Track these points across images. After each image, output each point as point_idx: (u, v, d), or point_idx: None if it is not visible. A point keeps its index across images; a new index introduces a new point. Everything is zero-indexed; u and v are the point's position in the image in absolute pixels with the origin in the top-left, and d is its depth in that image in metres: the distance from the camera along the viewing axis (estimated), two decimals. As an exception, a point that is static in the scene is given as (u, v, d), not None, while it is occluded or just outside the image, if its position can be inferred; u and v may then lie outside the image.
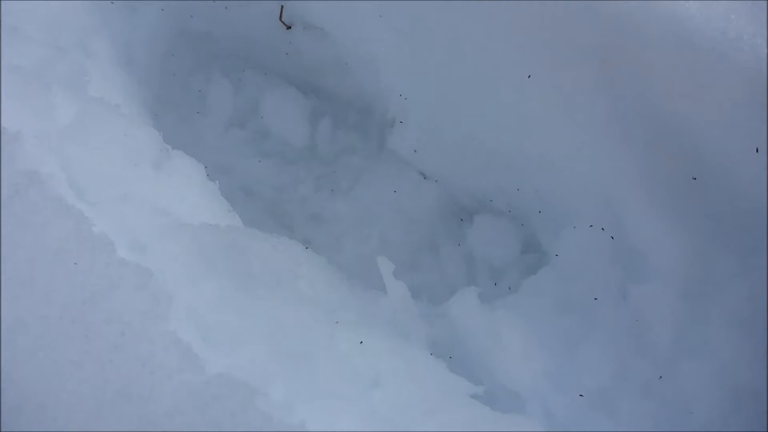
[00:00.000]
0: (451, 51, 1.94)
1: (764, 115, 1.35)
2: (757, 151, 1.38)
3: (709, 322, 1.53)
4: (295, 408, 1.19)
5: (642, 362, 1.57)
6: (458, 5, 1.83)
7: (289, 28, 2.58)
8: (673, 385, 1.54)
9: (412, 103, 2.23)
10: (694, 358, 1.54)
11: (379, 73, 2.32)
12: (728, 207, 1.52)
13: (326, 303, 1.50)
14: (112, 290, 1.25)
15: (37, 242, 1.32)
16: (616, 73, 1.56)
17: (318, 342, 1.37)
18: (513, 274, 2.17)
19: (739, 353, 1.49)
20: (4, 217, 1.36)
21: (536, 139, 1.82)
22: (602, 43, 1.53)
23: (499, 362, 1.62)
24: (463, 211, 2.38)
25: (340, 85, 2.67)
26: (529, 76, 1.67)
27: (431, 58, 2.04)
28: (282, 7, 2.51)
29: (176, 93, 2.79)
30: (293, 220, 2.52)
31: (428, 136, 2.27)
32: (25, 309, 1.24)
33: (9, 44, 1.75)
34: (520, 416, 1.46)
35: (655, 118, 1.53)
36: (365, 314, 1.66)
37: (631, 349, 1.59)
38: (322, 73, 2.68)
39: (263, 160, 2.64)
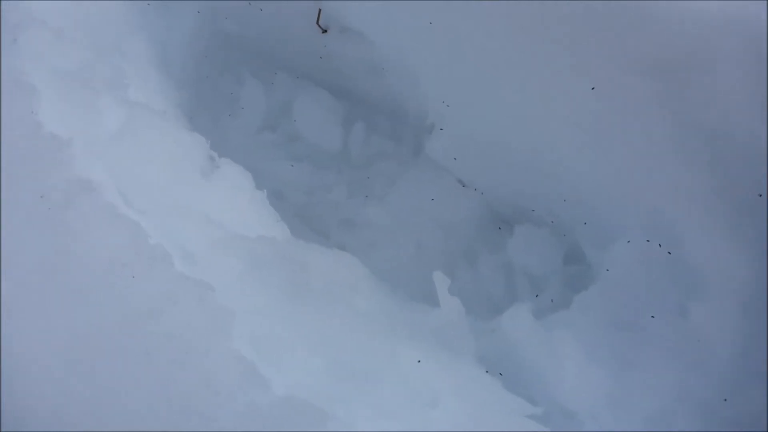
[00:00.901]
0: (501, 60, 1.90)
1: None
2: None
3: (774, 340, 1.49)
4: (364, 429, 1.14)
5: (703, 383, 1.53)
6: (511, 12, 1.79)
7: (325, 31, 2.54)
8: (735, 405, 1.49)
9: (454, 110, 2.18)
10: (757, 377, 1.50)
11: (419, 80, 2.28)
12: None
13: (385, 320, 1.46)
14: (172, 305, 1.22)
15: (92, 253, 1.29)
16: (681, 88, 1.52)
17: (377, 360, 1.33)
18: (555, 286, 2.13)
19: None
20: (58, 225, 1.33)
21: (589, 152, 1.78)
22: (668, 58, 1.49)
23: (554, 380, 1.58)
24: (502, 220, 2.34)
25: (374, 90, 2.63)
26: (593, 88, 1.63)
27: (478, 66, 2.00)
28: (320, 10, 2.47)
29: (208, 94, 2.77)
30: (327, 225, 2.49)
31: (468, 143, 2.23)
32: (81, 322, 1.21)
33: (53, 47, 1.71)
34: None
35: (719, 135, 1.49)
36: (415, 327, 1.63)
37: (691, 369, 1.55)
38: (356, 77, 2.65)
39: (295, 164, 2.61)
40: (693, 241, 1.63)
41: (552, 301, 2.05)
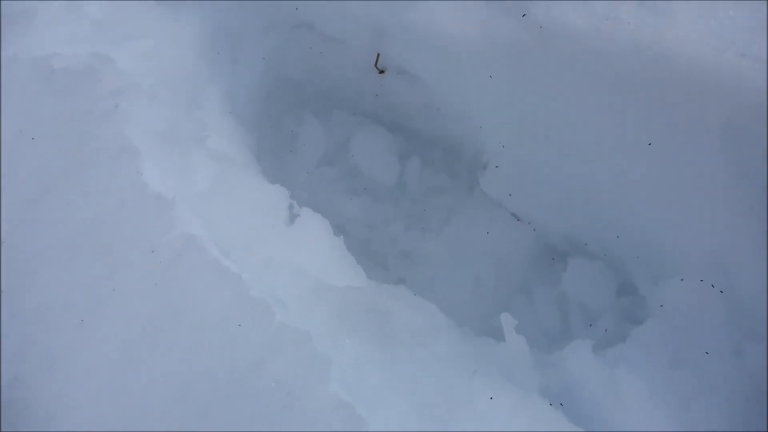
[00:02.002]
0: (558, 106, 2.02)
1: None
2: None
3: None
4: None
5: (758, 420, 1.62)
6: (570, 62, 1.91)
7: (382, 72, 2.68)
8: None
9: (510, 149, 2.31)
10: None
11: (474, 121, 2.41)
12: None
13: (457, 358, 1.59)
14: (275, 353, 1.36)
15: (202, 305, 1.45)
16: (740, 144, 1.62)
17: (456, 400, 1.46)
18: (609, 318, 2.23)
19: None
20: (167, 281, 1.49)
21: (645, 194, 1.89)
22: (728, 117, 1.60)
23: (614, 414, 1.69)
24: (555, 253, 2.44)
25: (430, 127, 2.76)
26: (649, 144, 1.75)
27: (535, 113, 2.12)
28: (378, 54, 2.62)
29: (270, 134, 2.93)
30: (386, 258, 2.61)
31: (523, 180, 2.34)
32: (195, 370, 1.37)
33: (151, 110, 1.89)
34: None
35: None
36: (483, 364, 1.75)
37: (746, 407, 1.64)
38: (412, 114, 2.78)
39: (353, 198, 2.73)
40: (748, 283, 1.72)
41: (606, 331, 2.15)
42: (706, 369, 1.71)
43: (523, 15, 2.02)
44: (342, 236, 1.88)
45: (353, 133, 2.82)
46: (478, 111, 2.36)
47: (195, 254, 1.49)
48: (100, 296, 1.47)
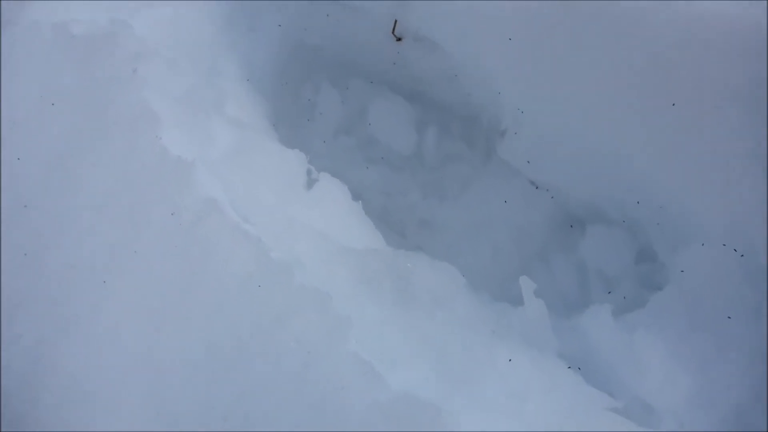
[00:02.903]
0: (579, 70, 2.00)
1: None
2: None
3: None
4: (471, 424, 1.30)
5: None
6: (590, 24, 1.88)
7: (399, 40, 2.66)
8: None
9: (528, 115, 2.29)
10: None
11: (492, 87, 2.39)
12: None
13: (479, 322, 1.60)
14: (296, 313, 1.38)
15: (223, 268, 1.47)
16: (764, 107, 1.60)
17: (476, 360, 1.47)
18: (628, 285, 2.23)
19: None
20: (189, 244, 1.51)
21: (667, 159, 1.87)
22: (752, 78, 1.58)
23: (634, 377, 1.70)
24: (574, 220, 2.43)
25: (447, 95, 2.74)
26: (673, 104, 1.72)
27: (554, 76, 2.10)
28: (395, 21, 2.59)
29: (288, 102, 2.93)
30: (404, 226, 2.61)
31: (542, 147, 2.33)
32: (219, 330, 1.39)
33: (170, 75, 1.90)
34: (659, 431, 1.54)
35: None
36: (502, 327, 1.76)
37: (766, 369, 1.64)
38: (429, 82, 2.76)
39: (371, 166, 2.73)
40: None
41: (624, 298, 2.15)
42: (725, 332, 1.71)
43: (543, -23, 1.99)
44: (360, 201, 1.88)
45: (371, 102, 2.81)
46: (497, 77, 2.34)
47: (215, 216, 1.50)
48: (123, 258, 1.49)
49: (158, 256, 1.49)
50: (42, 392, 1.41)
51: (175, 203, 1.55)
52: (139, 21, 2.08)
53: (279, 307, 1.39)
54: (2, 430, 1.36)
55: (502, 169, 2.57)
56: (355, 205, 1.85)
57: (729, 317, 1.72)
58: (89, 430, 1.29)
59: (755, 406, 1.63)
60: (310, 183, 1.82)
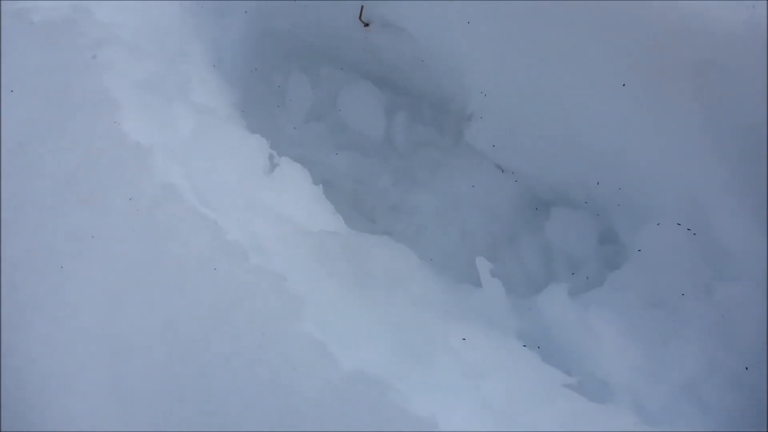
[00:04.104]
0: (538, 53, 2.02)
1: None
2: None
3: (796, 319, 1.61)
4: (422, 401, 1.32)
5: (729, 356, 1.67)
6: (547, 8, 1.90)
7: (367, 25, 2.67)
8: (758, 377, 1.63)
9: (493, 99, 2.31)
10: (780, 352, 1.63)
11: (458, 72, 2.41)
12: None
13: (435, 302, 1.63)
14: (251, 294, 1.40)
15: (180, 250, 1.48)
16: (713, 85, 1.63)
17: (431, 339, 1.50)
18: (591, 266, 2.26)
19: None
20: (147, 227, 1.52)
21: (621, 137, 1.91)
22: (700, 58, 1.61)
23: (589, 353, 1.73)
24: (539, 202, 2.47)
25: (416, 80, 2.76)
26: (623, 85, 1.75)
27: (514, 59, 2.12)
28: (362, 6, 2.60)
29: (258, 89, 2.93)
30: (374, 212, 2.63)
31: (507, 131, 2.36)
32: (176, 311, 1.41)
33: (129, 60, 1.90)
34: (613, 406, 1.58)
35: (748, 128, 1.60)
36: (461, 308, 1.79)
37: (718, 343, 1.68)
38: (399, 69, 2.77)
39: (341, 152, 2.74)
40: (721, 225, 1.75)
41: (587, 278, 2.19)
42: (680, 309, 1.74)
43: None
44: (321, 185, 1.89)
45: (341, 88, 2.81)
46: (461, 61, 2.36)
47: (172, 201, 1.52)
48: (80, 243, 1.50)
49: (116, 240, 1.50)
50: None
51: (133, 188, 1.56)
52: (101, 7, 2.08)
53: (234, 289, 1.41)
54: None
55: (470, 153, 2.60)
56: (316, 189, 1.86)
57: (683, 294, 1.76)
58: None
59: (707, 380, 1.67)
60: (272, 167, 1.83)
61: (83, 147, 1.64)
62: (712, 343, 1.69)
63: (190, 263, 1.45)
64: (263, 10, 2.80)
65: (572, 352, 1.77)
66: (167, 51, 2.22)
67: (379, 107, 2.79)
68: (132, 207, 1.55)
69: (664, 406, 1.65)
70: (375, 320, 1.47)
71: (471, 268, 2.21)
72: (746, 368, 1.63)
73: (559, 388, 1.63)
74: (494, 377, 1.53)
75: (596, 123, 2.02)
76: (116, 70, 1.84)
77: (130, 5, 2.22)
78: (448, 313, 1.59)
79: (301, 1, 2.75)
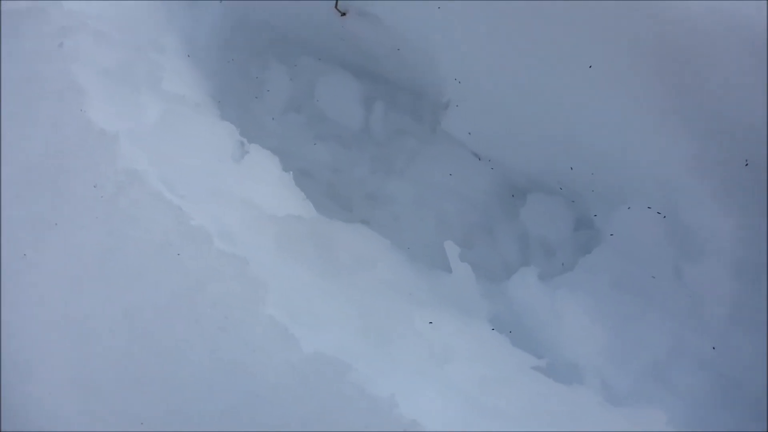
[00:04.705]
0: (510, 38, 2.02)
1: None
2: None
3: (762, 298, 1.62)
4: (384, 383, 1.32)
5: (697, 337, 1.67)
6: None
7: (343, 14, 2.66)
8: (726, 358, 1.64)
9: (468, 86, 2.31)
10: (747, 332, 1.64)
11: (433, 58, 2.40)
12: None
13: (402, 286, 1.62)
14: (213, 278, 1.40)
15: (143, 236, 1.47)
16: (676, 66, 1.63)
17: (396, 323, 1.50)
18: (567, 251, 2.27)
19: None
20: (109, 213, 1.52)
21: (592, 123, 1.91)
22: (664, 40, 1.61)
23: (557, 336, 1.74)
24: (516, 189, 2.47)
25: (394, 69, 2.75)
26: (590, 66, 1.75)
27: (486, 47, 2.12)
28: (337, -5, 2.59)
29: (235, 80, 2.91)
30: (351, 201, 2.63)
31: (483, 118, 2.35)
32: (138, 296, 1.40)
33: (97, 48, 1.89)
34: (580, 387, 1.58)
35: (711, 108, 1.61)
36: (433, 293, 1.79)
37: (686, 324, 1.69)
38: (376, 58, 2.77)
39: (319, 143, 2.74)
40: (689, 206, 1.76)
41: (563, 264, 2.19)
42: (649, 291, 1.75)
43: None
44: (291, 172, 1.89)
45: (318, 78, 2.80)
46: (435, 48, 2.35)
47: (137, 187, 1.51)
48: (43, 230, 1.49)
49: (79, 227, 1.49)
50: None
51: (97, 175, 1.55)
52: (70, -6, 2.06)
53: (197, 274, 1.40)
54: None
55: (446, 141, 2.60)
56: (286, 176, 1.85)
57: (653, 277, 1.76)
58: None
59: (675, 361, 1.67)
60: (242, 155, 1.82)
61: (48, 134, 1.63)
62: (680, 324, 1.70)
63: (153, 249, 1.44)
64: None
65: (542, 335, 1.78)
66: (138, 40, 2.20)
67: (356, 97, 2.78)
68: (96, 194, 1.54)
69: (632, 387, 1.65)
70: (340, 304, 1.47)
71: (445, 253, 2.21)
72: (713, 348, 1.64)
73: (528, 370, 1.63)
74: (461, 360, 1.53)
75: (569, 109, 2.02)
76: (83, 59, 1.83)
77: (102, -6, 2.21)
78: (416, 298, 1.59)
79: (276, -11, 2.73)
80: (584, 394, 1.53)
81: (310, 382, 1.26)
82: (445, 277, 1.87)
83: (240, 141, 1.88)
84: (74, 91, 1.70)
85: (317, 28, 2.80)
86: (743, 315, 1.64)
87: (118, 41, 2.06)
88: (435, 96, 2.64)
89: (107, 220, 1.49)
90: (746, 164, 1.63)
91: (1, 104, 1.70)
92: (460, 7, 2.19)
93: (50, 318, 1.43)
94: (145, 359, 1.34)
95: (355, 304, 1.49)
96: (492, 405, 1.43)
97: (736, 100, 1.62)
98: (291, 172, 1.89)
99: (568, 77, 1.92)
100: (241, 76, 2.91)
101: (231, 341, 1.33)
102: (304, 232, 1.58)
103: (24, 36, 1.86)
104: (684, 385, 1.63)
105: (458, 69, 2.31)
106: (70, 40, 1.83)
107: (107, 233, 1.47)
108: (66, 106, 1.67)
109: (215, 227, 1.53)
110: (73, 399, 1.36)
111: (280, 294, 1.42)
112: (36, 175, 1.58)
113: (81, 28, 1.93)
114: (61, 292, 1.43)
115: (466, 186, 2.53)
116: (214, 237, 1.47)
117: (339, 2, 2.64)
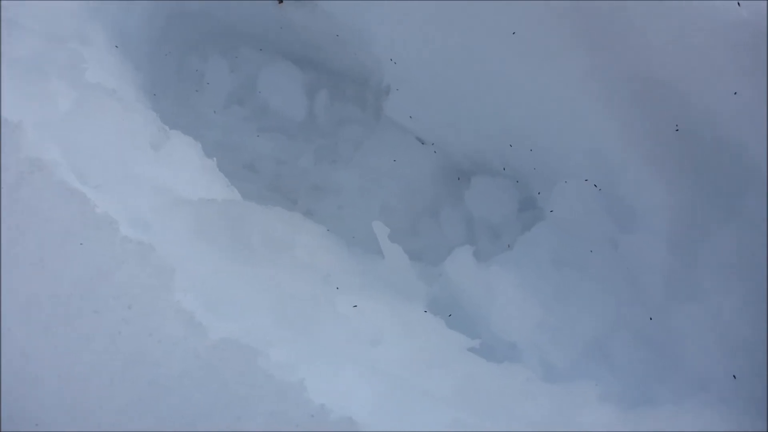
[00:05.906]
0: (442, 18, 1.97)
1: (740, 63, 1.38)
2: (738, 5, 1.40)
3: (697, 268, 1.58)
4: (296, 367, 1.26)
5: (634, 310, 1.63)
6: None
7: (281, 2, 2.60)
8: (664, 330, 1.59)
9: (405, 69, 2.26)
10: (684, 303, 1.60)
11: (370, 42, 2.35)
12: (710, 155, 1.56)
13: (324, 269, 1.56)
14: (117, 267, 1.32)
15: (44, 226, 1.39)
16: (595, 31, 1.58)
17: (318, 307, 1.43)
18: (512, 232, 2.22)
19: (726, 297, 1.54)
20: (11, 203, 1.43)
21: (524, 98, 1.86)
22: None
23: (495, 316, 1.68)
24: (460, 172, 2.42)
25: (335, 58, 2.70)
26: (513, 33, 1.70)
27: (419, 22, 2.07)
28: (273, -18, 2.53)
29: (173, 73, 2.83)
30: (296, 192, 2.57)
31: (422, 100, 2.31)
32: (37, 288, 1.32)
33: (8, 37, 1.80)
34: (515, 365, 1.52)
35: (635, 74, 1.57)
36: (367, 278, 1.73)
37: (623, 298, 1.64)
38: (317, 46, 2.71)
39: (263, 135, 2.68)
40: (622, 177, 1.71)
41: (509, 246, 2.14)
42: (587, 265, 1.70)
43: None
44: (215, 159, 1.81)
45: (260, 70, 2.74)
46: (372, 32, 2.30)
47: (39, 176, 1.43)
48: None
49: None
50: None
51: (-1, 165, 1.46)
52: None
53: (100, 263, 1.32)
54: None
55: (390, 128, 2.55)
56: (209, 162, 1.78)
57: (591, 251, 1.71)
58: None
59: (612, 336, 1.63)
60: (162, 142, 1.74)
61: (-54, 125, 1.54)
62: (618, 297, 1.65)
63: (54, 239, 1.36)
64: (174, -10, 2.70)
65: (480, 315, 1.72)
66: (58, 31, 2.11)
67: (300, 87, 2.73)
68: (-4, 184, 1.45)
69: (571, 364, 1.60)
70: (255, 289, 1.40)
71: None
72: (650, 318, 1.59)
73: (461, 351, 1.57)
74: (389, 343, 1.47)
75: (503, 85, 1.98)
76: (-11, 47, 1.74)
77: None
78: (340, 280, 1.52)
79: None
80: (516, 371, 1.48)
81: (216, 370, 1.19)
82: (380, 261, 1.81)
83: (162, 128, 1.79)
84: (-24, 80, 1.60)
85: (255, 17, 2.74)
86: (679, 284, 1.59)
87: (33, 31, 1.97)
88: (377, 82, 2.59)
89: (9, 210, 1.41)
90: (677, 129, 1.58)
91: None
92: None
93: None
94: (42, 354, 1.25)
95: (271, 289, 1.42)
96: (420, 386, 1.36)
97: (662, 66, 1.57)
98: (215, 159, 1.81)
99: (495, 51, 1.87)
100: (179, 69, 2.83)
101: (134, 331, 1.25)
102: (218, 216, 1.50)
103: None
104: (622, 359, 1.58)
105: (393, 49, 2.26)
106: (-25, 29, 1.73)
107: (8, 224, 1.39)
108: (-33, 95, 1.58)
109: (125, 215, 1.45)
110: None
111: (189, 281, 1.35)
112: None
113: (-11, 17, 1.83)
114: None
115: (411, 171, 2.48)
116: (122, 225, 1.39)
117: (275, -10, 2.57)
